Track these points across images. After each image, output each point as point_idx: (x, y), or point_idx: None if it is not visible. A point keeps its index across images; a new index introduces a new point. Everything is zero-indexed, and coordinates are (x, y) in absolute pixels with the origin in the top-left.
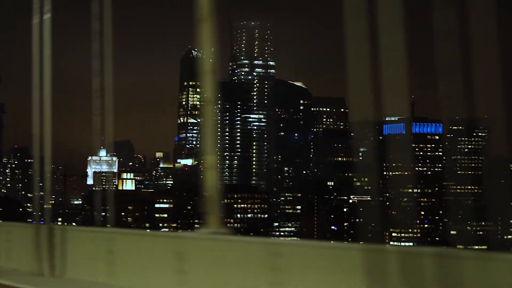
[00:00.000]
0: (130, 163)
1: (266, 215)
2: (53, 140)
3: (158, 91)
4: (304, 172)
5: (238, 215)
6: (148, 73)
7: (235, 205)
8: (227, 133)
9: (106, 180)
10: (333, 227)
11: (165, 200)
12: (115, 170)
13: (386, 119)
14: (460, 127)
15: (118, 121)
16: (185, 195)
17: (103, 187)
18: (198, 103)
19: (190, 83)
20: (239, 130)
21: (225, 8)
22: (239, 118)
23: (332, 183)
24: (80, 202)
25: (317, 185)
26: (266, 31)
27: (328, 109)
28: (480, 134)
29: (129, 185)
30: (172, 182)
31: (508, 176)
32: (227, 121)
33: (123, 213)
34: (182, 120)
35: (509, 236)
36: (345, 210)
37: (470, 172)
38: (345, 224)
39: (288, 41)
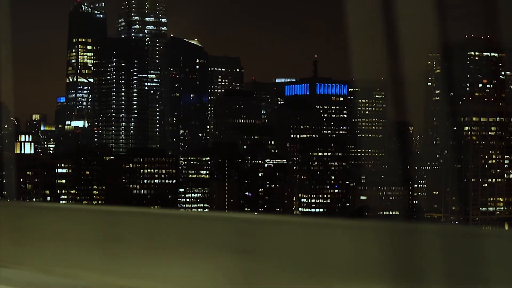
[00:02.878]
0: (6, 126)
1: (174, 181)
2: None
3: (39, 48)
4: (200, 134)
5: (145, 181)
6: (28, 29)
7: (141, 170)
8: (123, 94)
9: None
10: (247, 193)
11: (65, 165)
12: None
13: (287, 80)
14: (357, 89)
15: None
16: (82, 159)
17: None
18: (89, 61)
19: (80, 39)
20: (135, 90)
21: None
22: (135, 78)
23: (245, 147)
24: None
25: (227, 148)
26: None
27: (223, 69)
28: (377, 96)
29: (28, 149)
30: (53, 145)
31: (409, 139)
32: (123, 81)
33: (21, 179)
34: (71, 80)
35: (415, 201)
36: (260, 175)
37: (371, 135)
38: (260, 190)
39: None
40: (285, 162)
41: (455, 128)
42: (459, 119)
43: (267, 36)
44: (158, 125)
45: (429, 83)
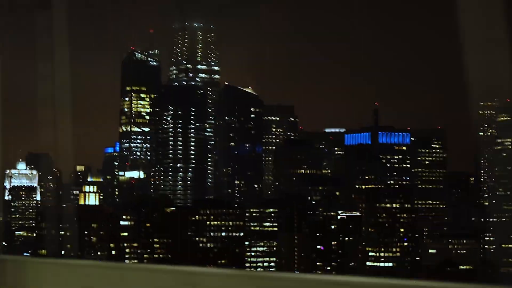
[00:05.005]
0: (50, 177)
1: (241, 233)
2: None
3: (89, 97)
4: (255, 186)
5: (211, 234)
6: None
7: (207, 222)
8: (180, 143)
9: (26, 195)
10: (319, 247)
11: (128, 217)
12: (35, 184)
13: (336, 130)
14: (413, 138)
15: (37, 132)
16: (143, 210)
17: (24, 202)
18: (142, 110)
19: (134, 88)
20: (193, 139)
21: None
22: (192, 126)
23: (309, 198)
24: None
25: (296, 200)
26: (209, 33)
27: (277, 118)
28: (434, 146)
29: (92, 200)
30: (102, 197)
31: (470, 191)
32: (180, 130)
33: (86, 232)
34: (124, 129)
35: (485, 255)
36: (333, 227)
37: (431, 186)
38: (333, 243)
39: (234, 45)
40: (358, 214)
41: None
42: None
43: (313, 86)
44: (211, 175)
45: (482, 133)
